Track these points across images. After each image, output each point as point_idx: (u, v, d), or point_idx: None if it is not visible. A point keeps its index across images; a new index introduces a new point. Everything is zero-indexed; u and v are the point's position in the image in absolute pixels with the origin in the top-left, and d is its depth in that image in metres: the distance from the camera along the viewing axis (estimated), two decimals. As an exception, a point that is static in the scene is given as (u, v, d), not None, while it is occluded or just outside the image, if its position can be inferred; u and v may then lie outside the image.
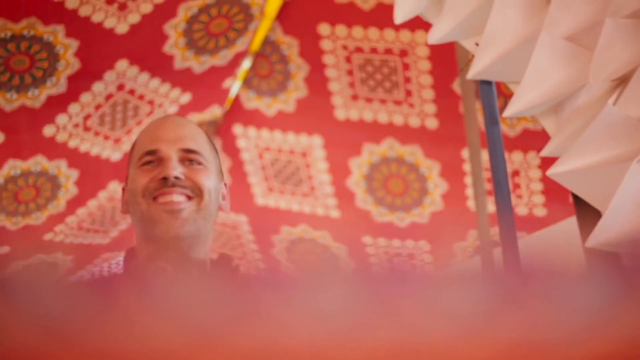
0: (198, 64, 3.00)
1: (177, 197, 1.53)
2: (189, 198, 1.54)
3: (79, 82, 2.86)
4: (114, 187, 3.23)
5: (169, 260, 1.51)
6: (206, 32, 2.92)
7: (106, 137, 3.07)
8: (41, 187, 3.08)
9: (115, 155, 3.13)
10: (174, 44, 2.90)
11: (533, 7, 1.84)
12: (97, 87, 2.90)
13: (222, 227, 3.60)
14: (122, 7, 2.72)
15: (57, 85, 2.82)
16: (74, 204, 3.22)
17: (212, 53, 3.00)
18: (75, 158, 3.06)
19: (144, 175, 1.56)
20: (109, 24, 2.74)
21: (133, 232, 3.55)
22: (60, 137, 2.97)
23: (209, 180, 1.58)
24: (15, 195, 3.05)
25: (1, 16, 2.60)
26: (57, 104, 2.87)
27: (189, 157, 1.58)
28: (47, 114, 2.88)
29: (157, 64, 2.95)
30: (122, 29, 2.77)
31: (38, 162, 2.99)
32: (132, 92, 2.97)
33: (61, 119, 2.92)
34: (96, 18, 2.71)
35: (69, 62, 2.79)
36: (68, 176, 3.10)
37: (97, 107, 2.96)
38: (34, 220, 3.15)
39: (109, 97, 2.95)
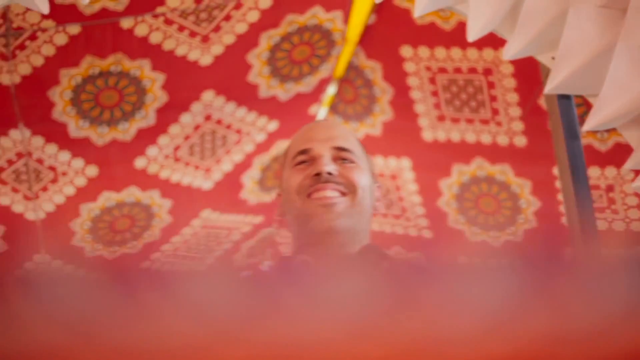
0: (283, 92, 3.03)
1: (331, 192, 1.53)
2: (343, 194, 1.54)
3: (167, 114, 2.93)
4: (207, 215, 3.28)
5: (314, 254, 1.49)
6: (289, 60, 2.94)
7: (197, 167, 3.12)
8: (136, 217, 3.16)
9: (206, 184, 3.18)
10: (258, 73, 2.93)
11: (609, 18, 1.78)
12: (185, 118, 2.96)
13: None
14: (205, 39, 2.77)
15: (146, 118, 2.89)
16: (169, 232, 3.28)
17: (296, 80, 3.02)
18: (168, 188, 3.13)
19: (297, 174, 1.58)
20: (193, 56, 2.80)
21: (229, 257, 3.61)
22: (152, 169, 3.04)
23: (363, 178, 1.57)
24: (111, 226, 3.14)
25: (89, 53, 2.69)
26: (147, 137, 2.94)
27: (341, 155, 1.58)
28: (137, 147, 2.95)
29: (243, 94, 2.98)
30: (206, 60, 2.82)
31: (131, 193, 3.07)
32: (219, 122, 3.02)
33: (152, 150, 2.98)
34: (180, 51, 2.77)
35: (157, 95, 2.86)
36: (161, 205, 3.16)
37: (186, 137, 3.01)
38: (130, 249, 3.23)
39: (197, 127, 3.00)
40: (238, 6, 2.74)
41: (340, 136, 1.63)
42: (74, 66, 2.71)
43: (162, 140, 2.98)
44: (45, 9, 1.77)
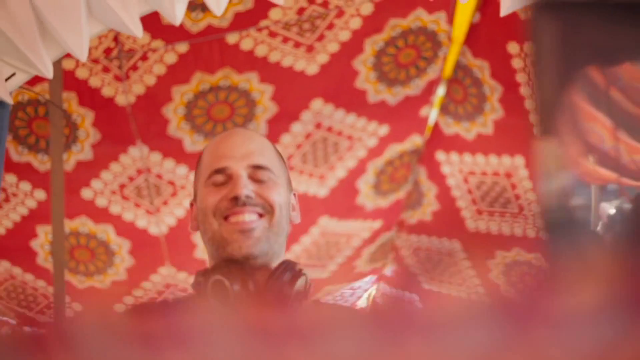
0: (391, 96, 3.02)
1: (249, 217, 1.49)
2: (261, 216, 1.51)
3: (278, 125, 2.98)
4: (325, 222, 3.32)
5: (229, 274, 1.46)
6: (395, 64, 2.94)
7: (311, 175, 3.16)
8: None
9: (322, 191, 3.22)
10: (365, 79, 2.95)
11: None
12: (296, 127, 3.01)
13: (438, 256, 3.58)
14: (310, 49, 2.81)
15: (258, 130, 2.95)
16: (289, 240, 3.32)
17: (404, 84, 3.01)
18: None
19: (213, 194, 1.53)
20: (299, 66, 2.84)
21: (351, 264, 3.63)
22: (267, 179, 3.10)
23: (280, 196, 1.54)
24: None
25: (198, 70, 2.78)
26: (260, 148, 3.00)
27: (258, 173, 1.54)
28: (251, 158, 3.01)
29: (351, 100, 3.00)
30: (312, 69, 2.86)
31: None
32: (329, 129, 3.05)
33: (265, 161, 3.04)
34: (286, 62, 2.82)
35: (266, 106, 2.92)
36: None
37: (298, 146, 3.06)
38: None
39: (308, 136, 3.04)
40: (340, 14, 2.76)
41: (257, 151, 1.56)
42: (185, 83, 2.80)
43: (276, 150, 3.03)
44: (139, 33, 1.85)
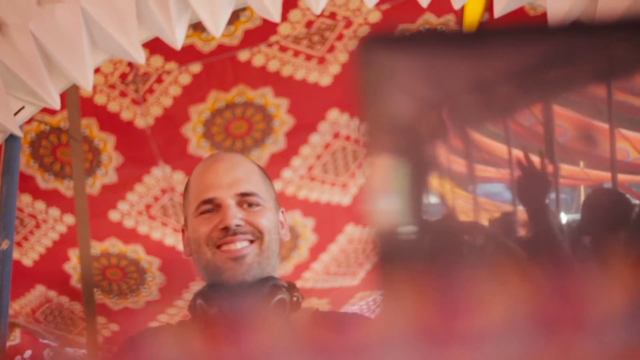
0: (406, 100, 3.04)
1: (240, 244, 1.53)
2: (251, 242, 1.53)
3: (297, 137, 3.03)
4: (351, 230, 3.35)
5: (210, 297, 1.50)
6: (408, 69, 2.96)
7: (333, 184, 3.20)
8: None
9: (345, 199, 3.25)
10: (379, 86, 2.97)
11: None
12: (314, 138, 3.05)
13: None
14: (321, 60, 2.84)
15: (276, 143, 3.00)
16: (316, 250, 3.37)
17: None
18: (308, 207, 3.22)
19: (204, 224, 1.56)
20: (312, 78, 2.88)
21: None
22: (289, 190, 3.15)
23: (268, 220, 1.56)
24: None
25: (213, 88, 2.83)
26: (280, 161, 3.05)
27: (246, 200, 1.56)
28: (272, 171, 3.06)
29: (367, 108, 3.03)
30: (325, 80, 2.90)
31: (273, 216, 3.18)
32: (347, 138, 3.08)
33: (286, 173, 3.09)
34: (299, 75, 2.86)
35: (283, 119, 2.96)
36: (305, 225, 3.26)
37: (318, 157, 3.10)
38: (281, 270, 3.34)
39: (327, 146, 3.08)
40: (348, 25, 2.79)
41: (243, 178, 1.58)
42: (201, 102, 2.86)
43: (295, 161, 3.08)
44: (142, 59, 1.90)
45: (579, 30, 0.76)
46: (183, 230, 1.65)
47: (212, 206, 1.57)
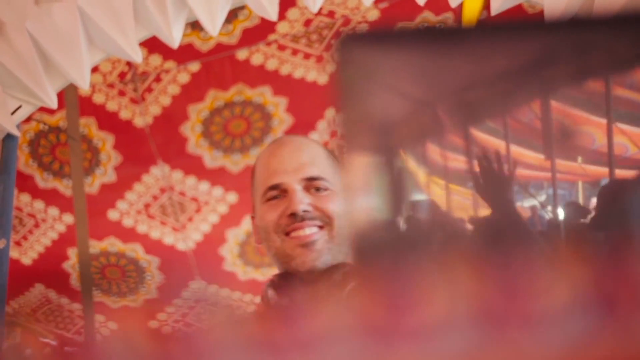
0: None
1: (309, 230, 1.49)
2: (321, 227, 1.50)
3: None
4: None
5: (280, 285, 1.50)
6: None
7: (332, 183, 3.19)
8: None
9: (344, 198, 3.25)
10: (378, 85, 2.97)
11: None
12: (314, 137, 3.04)
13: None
14: (319, 59, 2.84)
15: (275, 142, 3.00)
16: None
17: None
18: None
19: (271, 210, 1.53)
20: (310, 76, 2.88)
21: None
22: (288, 189, 3.14)
23: (337, 205, 1.52)
24: (259, 249, 3.26)
25: (212, 87, 2.83)
26: (279, 159, 3.05)
27: (313, 184, 1.53)
28: (271, 170, 3.06)
29: (366, 106, 3.03)
30: (324, 79, 2.89)
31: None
32: (346, 136, 3.07)
33: (285, 172, 3.08)
34: (298, 74, 2.86)
35: (282, 118, 2.96)
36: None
37: (317, 155, 3.09)
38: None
39: (326, 144, 3.07)
40: (346, 22, 2.79)
41: (308, 162, 1.55)
42: (199, 101, 2.86)
43: (294, 160, 3.07)
44: (139, 58, 1.90)
45: (576, 25, 0.76)
46: (252, 217, 1.63)
47: (279, 192, 1.54)
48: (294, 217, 1.50)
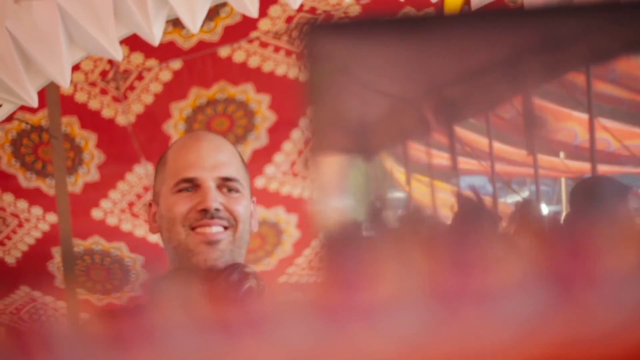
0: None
1: (216, 229, 1.51)
2: (226, 228, 1.52)
3: (279, 133, 3.02)
4: (335, 225, 3.34)
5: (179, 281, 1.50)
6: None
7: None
8: (266, 235, 3.26)
9: (329, 194, 3.24)
10: (361, 81, 2.97)
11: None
12: (296, 134, 3.04)
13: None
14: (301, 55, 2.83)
15: (259, 139, 2.99)
16: (300, 246, 3.36)
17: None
18: (291, 203, 3.21)
19: (181, 203, 1.53)
20: (293, 73, 2.87)
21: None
22: (272, 186, 3.13)
23: (245, 209, 1.55)
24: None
25: (194, 85, 2.82)
26: (262, 157, 3.04)
27: (227, 184, 1.55)
28: (255, 167, 3.05)
29: (349, 103, 3.02)
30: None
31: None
32: (330, 133, 3.07)
33: (269, 169, 3.08)
34: (280, 71, 2.85)
35: (265, 115, 2.95)
36: (288, 221, 3.25)
37: (300, 152, 3.09)
38: (265, 266, 3.34)
39: (308, 142, 3.07)
40: (328, 19, 2.78)
41: (226, 162, 1.57)
42: (182, 99, 2.85)
43: (278, 157, 3.07)
44: (119, 56, 1.89)
45: (556, 13, 0.76)
46: (150, 204, 1.62)
47: (191, 185, 1.54)
48: (204, 214, 1.52)
